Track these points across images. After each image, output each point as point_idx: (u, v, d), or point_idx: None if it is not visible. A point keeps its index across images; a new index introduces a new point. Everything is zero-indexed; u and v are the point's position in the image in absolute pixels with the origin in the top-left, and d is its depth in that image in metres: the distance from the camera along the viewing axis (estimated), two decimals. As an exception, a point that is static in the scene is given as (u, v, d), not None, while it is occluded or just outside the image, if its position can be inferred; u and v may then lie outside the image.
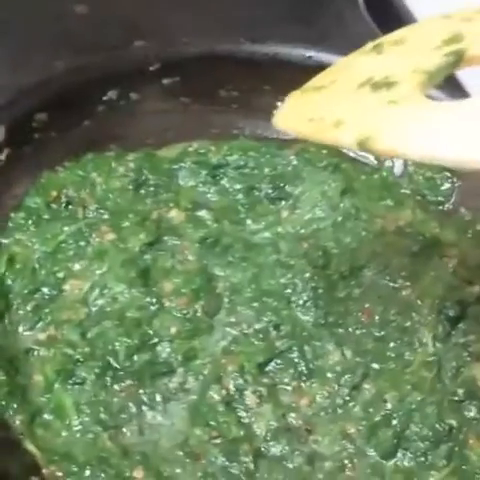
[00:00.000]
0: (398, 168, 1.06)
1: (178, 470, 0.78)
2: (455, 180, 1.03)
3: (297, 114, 0.69)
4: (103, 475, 0.76)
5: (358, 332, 0.88)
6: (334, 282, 0.91)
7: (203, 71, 1.07)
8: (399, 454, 0.80)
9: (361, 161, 1.07)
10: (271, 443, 0.80)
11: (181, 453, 0.79)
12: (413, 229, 0.95)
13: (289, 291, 0.90)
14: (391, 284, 0.91)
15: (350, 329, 0.88)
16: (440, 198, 1.03)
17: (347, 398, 0.84)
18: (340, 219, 0.96)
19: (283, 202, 0.99)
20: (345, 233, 0.95)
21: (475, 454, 0.80)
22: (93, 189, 0.98)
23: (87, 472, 0.76)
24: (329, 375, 0.85)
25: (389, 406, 0.82)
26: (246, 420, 0.81)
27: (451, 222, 0.99)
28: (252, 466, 0.78)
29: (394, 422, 0.81)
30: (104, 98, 1.04)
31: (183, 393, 0.83)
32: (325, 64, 1.06)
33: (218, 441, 0.79)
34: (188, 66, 1.06)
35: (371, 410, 0.82)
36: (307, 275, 0.90)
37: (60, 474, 0.76)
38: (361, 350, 0.86)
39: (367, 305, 0.89)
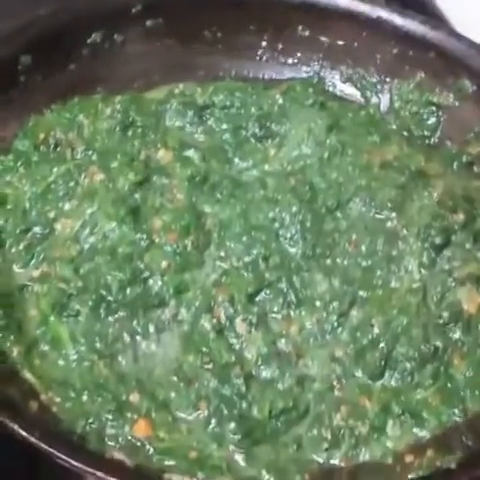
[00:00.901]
0: (384, 104, 1.07)
1: (172, 394, 0.81)
2: (440, 114, 1.04)
3: None
4: (100, 399, 0.79)
5: (345, 262, 0.90)
6: (321, 215, 0.93)
7: (186, 12, 1.07)
8: (386, 375, 0.83)
9: (347, 99, 1.08)
10: (262, 367, 0.83)
11: (175, 378, 0.82)
12: (399, 163, 0.96)
13: (277, 225, 0.91)
14: (377, 216, 0.93)
15: (338, 260, 0.90)
16: (426, 132, 1.04)
17: (335, 324, 0.86)
18: (326, 155, 0.97)
19: (270, 140, 1.00)
20: (331, 168, 0.96)
21: (459, 373, 0.83)
22: (81, 131, 0.98)
23: (84, 397, 0.79)
24: (317, 303, 0.87)
25: (376, 330, 0.85)
26: (237, 346, 0.83)
27: (437, 155, 1.00)
28: (243, 388, 0.81)
29: (381, 345, 0.84)
30: (88, 41, 1.04)
31: (176, 323, 0.86)
32: (308, 2, 1.07)
33: (210, 366, 0.82)
34: (171, 7, 1.06)
35: (358, 334, 0.85)
36: (294, 209, 0.92)
37: (58, 400, 0.79)
38: (348, 279, 0.88)
39: (354, 236, 0.91)
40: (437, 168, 0.99)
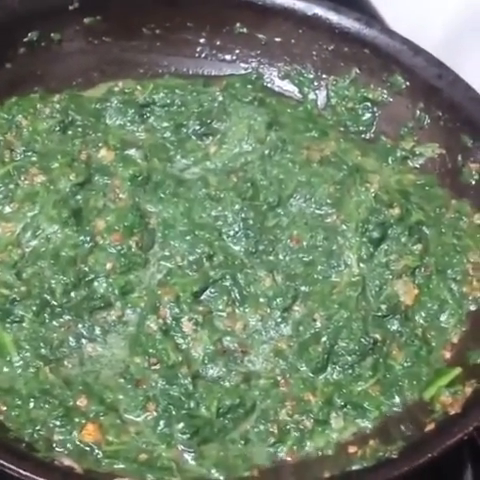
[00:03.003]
0: (321, 101, 1.09)
1: (120, 396, 0.82)
2: (375, 110, 1.07)
3: None
4: (47, 406, 0.79)
5: (287, 258, 0.92)
6: (263, 212, 0.94)
7: (124, 10, 1.07)
8: (329, 368, 0.86)
9: (285, 95, 1.10)
10: (208, 365, 0.84)
11: (122, 380, 0.82)
12: (337, 158, 0.99)
13: (220, 223, 0.93)
14: (317, 211, 0.95)
15: (280, 256, 0.92)
16: (362, 127, 1.07)
17: (279, 320, 0.88)
18: (267, 152, 0.99)
19: (210, 138, 1.01)
20: (272, 165, 0.98)
21: (398, 364, 0.86)
22: (19, 132, 0.97)
23: (31, 404, 0.79)
24: (261, 300, 0.89)
25: (318, 324, 0.87)
26: (184, 346, 0.85)
27: (372, 150, 1.03)
28: (191, 387, 0.82)
29: (323, 339, 0.86)
30: (25, 39, 1.03)
31: (121, 325, 0.86)
32: (246, 1, 1.08)
33: (157, 367, 0.83)
34: (108, 5, 1.06)
35: (301, 329, 0.87)
36: (237, 207, 0.93)
37: (4, 408, 0.78)
38: (291, 274, 0.91)
39: (295, 232, 0.93)
40: (373, 163, 1.01)
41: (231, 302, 0.88)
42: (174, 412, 0.81)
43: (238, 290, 0.89)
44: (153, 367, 0.83)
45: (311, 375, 0.85)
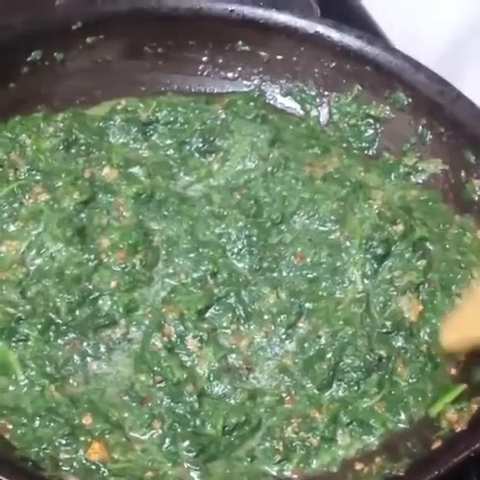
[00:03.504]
0: (323, 117, 1.10)
1: (126, 414, 0.81)
2: (378, 126, 1.07)
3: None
4: (53, 424, 0.79)
5: (291, 275, 0.92)
6: (266, 229, 0.94)
7: (126, 29, 1.07)
8: (334, 385, 0.86)
9: (287, 112, 1.10)
10: (214, 383, 0.84)
11: (127, 398, 0.82)
12: (340, 174, 0.99)
13: (224, 240, 0.93)
14: (321, 228, 0.95)
15: (284, 273, 0.92)
16: (364, 144, 1.07)
17: (283, 337, 0.88)
18: (270, 169, 0.99)
19: (213, 155, 1.01)
20: (275, 182, 0.98)
21: (403, 380, 0.86)
22: (23, 151, 0.98)
23: (36, 423, 0.79)
24: (266, 317, 0.89)
25: (323, 341, 0.87)
26: (188, 363, 0.84)
27: (375, 166, 1.04)
28: (197, 405, 0.82)
29: (328, 356, 0.86)
30: (28, 59, 1.03)
31: (126, 342, 0.86)
32: (247, 17, 1.09)
33: (162, 385, 0.83)
34: (111, 24, 1.06)
35: (306, 345, 0.87)
36: (240, 224, 0.93)
37: (10, 427, 0.78)
38: (295, 291, 0.91)
39: (299, 249, 0.93)
40: (376, 179, 1.02)
41: (236, 319, 0.88)
42: (180, 430, 0.81)
43: (242, 307, 0.89)
44: (158, 385, 0.83)
45: (316, 392, 0.85)
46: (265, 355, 0.87)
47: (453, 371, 0.87)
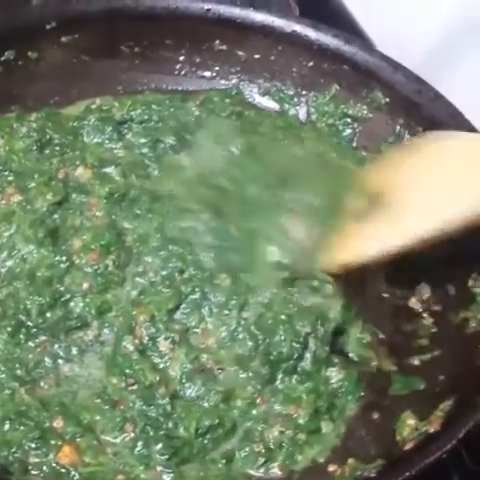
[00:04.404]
0: (302, 117, 1.09)
1: (97, 417, 0.80)
2: (356, 126, 1.07)
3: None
4: (22, 428, 0.78)
5: None
6: (229, 219, 0.92)
7: (102, 28, 1.06)
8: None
9: (265, 108, 1.09)
10: (186, 385, 0.83)
11: (99, 401, 0.81)
12: (308, 155, 0.98)
13: (191, 235, 0.91)
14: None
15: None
16: (342, 143, 1.06)
17: (236, 323, 0.86)
18: (235, 159, 0.97)
19: (184, 149, 1.00)
20: (237, 170, 0.96)
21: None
22: (-5, 151, 0.97)
23: (6, 426, 0.78)
24: (226, 312, 0.87)
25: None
26: (161, 366, 0.83)
27: (352, 156, 1.03)
28: (169, 407, 0.80)
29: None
30: (1, 59, 1.02)
31: (98, 345, 0.85)
32: (224, 16, 1.08)
33: (135, 387, 0.82)
34: (86, 23, 1.05)
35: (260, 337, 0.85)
36: (205, 217, 0.92)
37: None
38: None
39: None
40: (350, 165, 1.01)
41: (202, 317, 0.87)
42: (152, 433, 0.79)
43: (207, 304, 0.87)
44: (130, 388, 0.82)
45: (283, 387, 0.84)
46: (229, 352, 0.85)
47: None
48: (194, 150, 0.99)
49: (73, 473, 0.76)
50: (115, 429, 0.80)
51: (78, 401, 0.81)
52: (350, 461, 0.79)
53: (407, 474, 0.72)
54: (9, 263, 0.88)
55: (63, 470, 0.76)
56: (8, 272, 0.87)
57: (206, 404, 0.82)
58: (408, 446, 0.77)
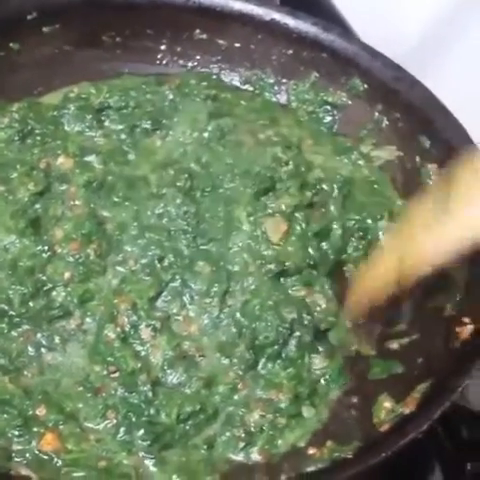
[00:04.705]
0: (282, 104, 1.10)
1: (80, 405, 0.81)
2: (335, 113, 1.07)
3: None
4: (6, 416, 0.79)
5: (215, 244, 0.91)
6: (199, 201, 0.93)
7: (83, 18, 1.07)
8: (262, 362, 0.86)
9: (242, 89, 1.09)
10: (168, 371, 0.84)
11: (82, 389, 0.82)
12: (281, 138, 0.99)
13: (166, 220, 0.92)
14: (248, 190, 0.93)
15: (213, 246, 0.91)
16: (323, 129, 1.07)
17: (217, 314, 0.87)
18: (205, 141, 0.98)
19: (158, 132, 1.00)
20: (205, 152, 0.97)
21: None
22: (-23, 142, 0.97)
23: None
24: (207, 300, 0.88)
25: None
26: (143, 353, 0.84)
27: (329, 143, 1.03)
28: (150, 394, 0.81)
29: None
30: (-17, 50, 1.03)
31: (81, 333, 0.86)
32: (204, 5, 1.09)
33: (117, 375, 0.83)
34: (67, 13, 1.06)
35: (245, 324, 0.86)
36: (178, 201, 0.92)
37: None
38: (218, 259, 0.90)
39: (221, 215, 0.92)
40: (325, 152, 1.02)
41: (183, 304, 0.88)
42: (134, 419, 0.81)
43: (188, 290, 0.88)
44: (112, 375, 0.83)
45: (266, 372, 0.85)
46: (211, 339, 0.86)
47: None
48: (167, 132, 1.00)
49: (56, 460, 0.77)
50: (97, 416, 0.81)
51: (61, 389, 0.82)
52: (329, 444, 0.80)
53: (383, 455, 0.73)
54: (-9, 253, 0.89)
55: (46, 457, 0.77)
56: (-10, 262, 0.88)
57: (188, 390, 0.83)
58: (384, 428, 0.79)
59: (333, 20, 1.20)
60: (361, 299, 0.85)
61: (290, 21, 1.06)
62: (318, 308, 0.89)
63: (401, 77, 1.02)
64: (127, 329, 0.85)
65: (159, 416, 0.81)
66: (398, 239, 0.84)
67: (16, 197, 0.92)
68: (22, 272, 0.87)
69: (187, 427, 0.81)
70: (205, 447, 0.81)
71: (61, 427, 0.79)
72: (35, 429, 0.79)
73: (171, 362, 0.84)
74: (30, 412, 0.80)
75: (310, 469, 0.76)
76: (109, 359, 0.83)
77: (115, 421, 0.81)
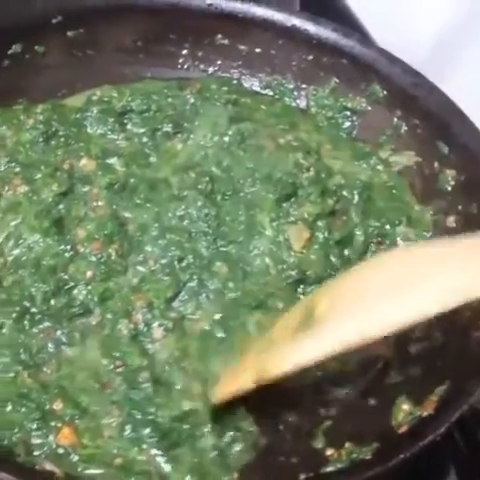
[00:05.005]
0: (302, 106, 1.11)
1: (93, 400, 0.82)
2: (355, 118, 1.08)
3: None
4: (24, 409, 0.80)
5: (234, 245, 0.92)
6: (220, 204, 0.95)
7: (106, 22, 1.09)
8: None
9: (262, 94, 1.11)
10: (171, 371, 0.84)
11: (92, 382, 0.83)
12: (300, 143, 1.00)
13: (187, 222, 0.93)
14: (270, 195, 0.95)
15: (232, 248, 0.92)
16: (343, 135, 1.08)
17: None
18: (225, 145, 1.00)
19: (179, 135, 1.02)
20: (225, 156, 0.98)
21: None
22: (3, 143, 0.99)
23: (8, 408, 0.80)
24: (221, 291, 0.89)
25: None
26: (151, 351, 0.85)
27: (349, 148, 1.04)
28: (151, 391, 0.82)
29: None
30: (9, 52, 1.05)
31: (100, 329, 0.87)
32: (226, 11, 1.10)
33: (121, 370, 0.83)
34: (91, 18, 1.08)
35: None
36: (199, 203, 0.94)
37: None
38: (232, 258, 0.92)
39: (242, 218, 0.93)
40: (344, 157, 1.03)
41: (199, 305, 0.89)
42: (139, 417, 0.81)
43: (204, 290, 0.89)
44: (118, 370, 0.83)
45: None
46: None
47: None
48: (188, 135, 1.01)
49: (72, 455, 0.78)
50: (105, 412, 0.81)
51: (76, 384, 0.83)
52: (347, 445, 0.80)
53: (401, 456, 0.74)
54: (15, 252, 0.90)
55: (63, 451, 0.78)
56: (14, 260, 0.89)
57: (188, 391, 0.82)
58: (402, 430, 0.79)
59: (350, 26, 1.21)
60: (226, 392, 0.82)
61: (311, 27, 1.07)
62: None
63: (420, 83, 1.03)
64: (140, 327, 0.86)
65: (159, 415, 0.81)
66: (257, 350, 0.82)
67: (40, 197, 0.94)
68: (45, 270, 0.88)
69: (187, 427, 0.81)
70: (216, 453, 0.80)
71: (77, 422, 0.80)
72: (53, 423, 0.79)
73: (176, 362, 0.84)
74: (47, 406, 0.80)
75: (329, 469, 0.77)
76: (116, 354, 0.84)
77: (121, 418, 0.81)
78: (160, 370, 0.84)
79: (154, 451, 0.80)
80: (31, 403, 0.80)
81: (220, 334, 0.87)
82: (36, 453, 0.78)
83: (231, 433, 0.81)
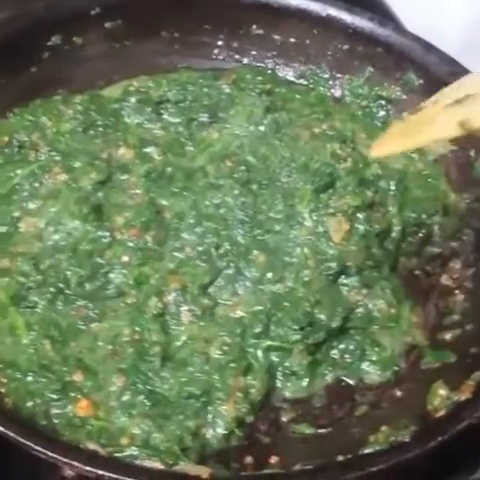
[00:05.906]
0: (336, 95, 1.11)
1: (102, 368, 0.83)
2: (389, 107, 1.08)
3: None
4: (45, 380, 0.81)
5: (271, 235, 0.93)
6: (256, 193, 0.95)
7: (143, 14, 1.10)
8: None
9: (297, 83, 1.12)
10: (184, 352, 0.85)
11: (104, 349, 0.84)
12: (335, 132, 1.00)
13: (223, 210, 0.94)
14: (308, 186, 0.95)
15: (269, 237, 0.93)
16: (376, 123, 1.08)
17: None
18: (261, 135, 1.01)
19: (214, 125, 1.03)
20: (261, 145, 0.99)
21: None
22: (43, 133, 1.01)
23: (29, 378, 0.82)
24: (259, 286, 0.90)
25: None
26: (174, 332, 0.86)
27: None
28: (158, 365, 0.83)
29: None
30: (49, 44, 1.07)
31: (130, 306, 0.88)
32: (261, 1, 1.11)
33: (136, 342, 0.84)
34: (129, 9, 1.10)
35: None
36: (236, 192, 0.95)
37: (4, 380, 0.81)
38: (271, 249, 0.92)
39: (280, 207, 0.94)
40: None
41: (235, 292, 0.90)
42: (140, 385, 0.81)
43: (241, 278, 0.90)
44: (133, 342, 0.84)
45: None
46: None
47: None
48: (224, 124, 1.03)
49: (87, 426, 0.79)
50: (110, 379, 0.82)
51: (95, 356, 0.84)
52: (383, 428, 0.81)
53: (439, 439, 0.74)
54: (55, 237, 0.92)
55: (79, 422, 0.79)
56: (53, 245, 0.91)
57: (197, 373, 0.83)
58: (440, 414, 0.80)
59: (382, 15, 1.20)
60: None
61: (346, 16, 1.08)
62: (375, 313, 0.90)
63: (456, 71, 1.02)
64: (170, 307, 0.87)
65: (162, 387, 0.82)
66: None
67: (79, 185, 0.96)
68: (81, 255, 0.90)
69: (185, 406, 0.81)
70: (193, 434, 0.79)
71: (95, 394, 0.81)
72: (72, 394, 0.81)
73: (192, 347, 0.85)
74: (68, 378, 0.82)
75: (367, 451, 0.77)
76: (137, 328, 0.85)
77: (121, 385, 0.81)
78: (174, 350, 0.85)
79: (142, 419, 0.79)
80: (52, 374, 0.82)
81: (257, 329, 0.87)
82: (55, 421, 0.79)
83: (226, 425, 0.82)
